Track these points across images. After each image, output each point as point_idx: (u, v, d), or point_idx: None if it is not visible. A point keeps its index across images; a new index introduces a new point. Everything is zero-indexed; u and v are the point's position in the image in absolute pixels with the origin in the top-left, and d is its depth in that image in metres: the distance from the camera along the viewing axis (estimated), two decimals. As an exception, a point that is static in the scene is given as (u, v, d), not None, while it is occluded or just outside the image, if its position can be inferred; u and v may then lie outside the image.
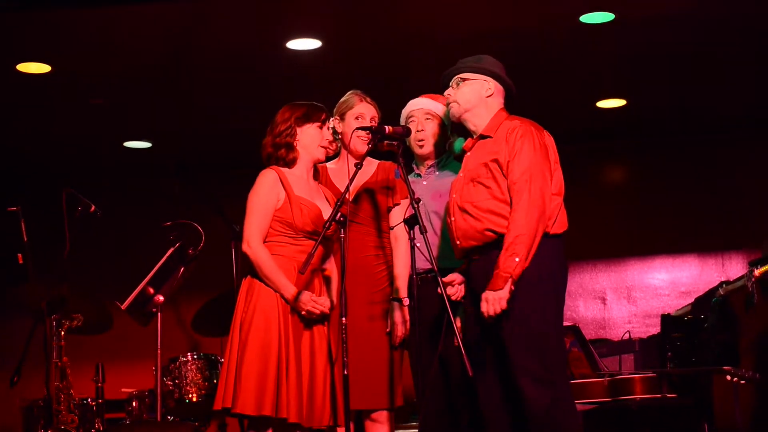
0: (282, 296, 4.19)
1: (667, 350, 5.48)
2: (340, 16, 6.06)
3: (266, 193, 4.26)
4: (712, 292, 5.89)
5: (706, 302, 5.94)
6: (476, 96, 4.32)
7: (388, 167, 4.68)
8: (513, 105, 4.40)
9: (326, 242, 4.31)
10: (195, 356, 6.18)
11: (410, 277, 4.41)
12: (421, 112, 4.77)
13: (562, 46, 6.54)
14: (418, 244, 4.19)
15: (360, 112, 4.65)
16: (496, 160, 4.17)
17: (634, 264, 8.47)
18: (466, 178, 4.28)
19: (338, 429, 4.37)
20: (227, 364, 4.17)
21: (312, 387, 4.21)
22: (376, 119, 4.66)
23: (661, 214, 8.42)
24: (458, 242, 4.29)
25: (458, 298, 4.29)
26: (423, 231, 4.07)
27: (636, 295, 8.40)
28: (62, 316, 5.87)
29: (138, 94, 7.06)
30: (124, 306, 6.10)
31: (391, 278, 4.57)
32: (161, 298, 6.24)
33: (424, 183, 4.76)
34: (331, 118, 4.64)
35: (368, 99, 4.69)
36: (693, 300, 6.56)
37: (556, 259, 4.16)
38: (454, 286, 4.26)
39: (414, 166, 4.87)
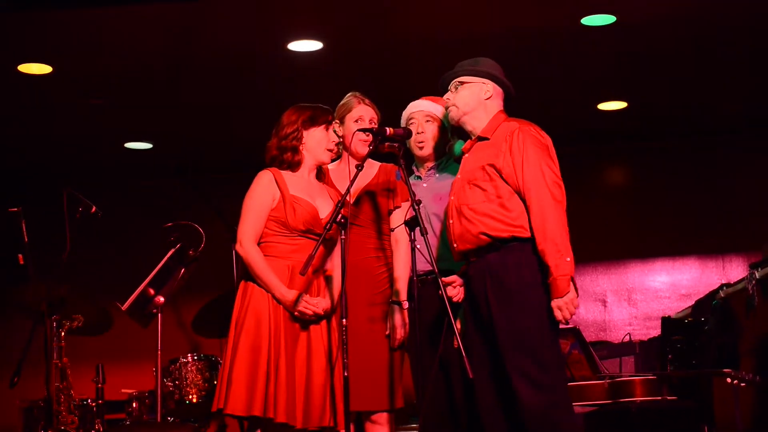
0: (273, 296, 4.20)
1: (667, 352, 5.48)
2: (341, 18, 6.06)
3: (260, 194, 4.28)
4: (713, 294, 5.89)
5: (707, 305, 5.93)
6: (474, 99, 4.31)
7: (389, 169, 4.68)
8: (514, 107, 4.40)
9: (327, 242, 4.31)
10: (195, 357, 6.18)
11: (410, 279, 4.41)
12: (422, 114, 4.76)
13: (564, 48, 6.54)
14: (418, 246, 4.19)
15: (359, 114, 4.64)
16: (493, 164, 4.17)
17: (635, 266, 8.47)
18: (464, 180, 4.27)
19: (338, 430, 4.37)
20: (223, 365, 4.21)
21: (309, 388, 4.21)
22: (375, 121, 4.66)
23: (662, 216, 8.42)
24: (455, 245, 4.28)
25: (459, 300, 4.29)
26: (424, 233, 4.07)
27: (636, 297, 8.40)
28: (62, 316, 5.88)
29: (139, 96, 7.07)
30: (124, 307, 6.09)
31: (392, 280, 4.57)
32: (162, 299, 6.23)
33: (424, 185, 4.76)
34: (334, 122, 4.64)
35: (367, 101, 4.69)
36: (693, 302, 6.56)
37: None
38: (455, 288, 4.26)
39: (414, 168, 4.86)
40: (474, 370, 3.97)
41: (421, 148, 4.76)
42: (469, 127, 4.35)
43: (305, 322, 4.25)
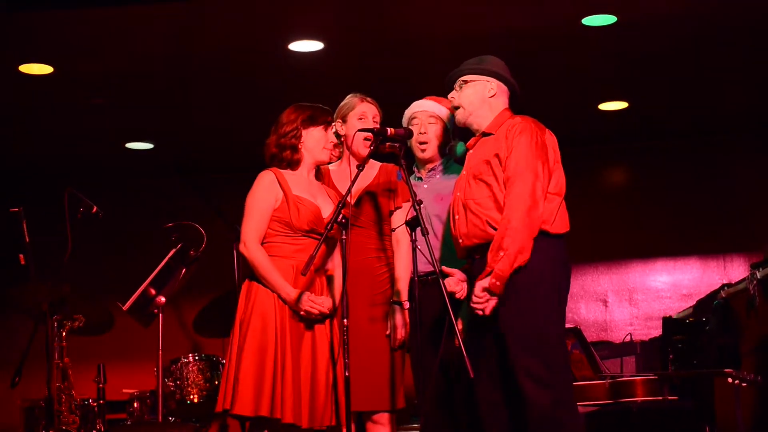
0: (279, 296, 4.20)
1: (668, 352, 5.48)
2: (342, 18, 6.07)
3: (263, 194, 4.28)
4: (714, 294, 5.89)
5: (708, 305, 5.94)
6: (479, 97, 4.32)
7: (390, 170, 4.68)
8: (516, 106, 4.40)
9: (328, 242, 4.31)
10: (196, 357, 6.19)
11: (411, 279, 4.41)
12: (425, 115, 4.76)
13: (564, 49, 6.54)
14: (419, 246, 4.19)
15: (362, 111, 4.65)
16: (497, 155, 4.17)
17: (636, 266, 8.47)
18: (469, 175, 4.27)
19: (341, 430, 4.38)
20: (227, 366, 4.20)
21: (313, 388, 4.21)
22: (378, 118, 4.67)
23: (663, 217, 8.42)
24: (461, 240, 4.27)
25: (462, 296, 4.28)
26: (425, 233, 4.07)
27: (637, 297, 8.40)
28: (64, 316, 5.88)
29: (140, 96, 7.07)
30: (125, 307, 6.10)
31: (393, 280, 4.57)
32: (163, 299, 6.24)
33: (425, 186, 4.75)
34: (333, 123, 4.64)
35: (369, 99, 4.70)
36: (694, 302, 6.57)
37: (557, 260, 4.14)
38: (459, 284, 4.26)
39: (415, 168, 4.86)
40: (476, 370, 3.97)
41: (423, 150, 4.75)
42: (475, 126, 4.35)
43: (309, 321, 4.25)
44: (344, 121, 4.67)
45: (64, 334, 5.89)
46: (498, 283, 3.98)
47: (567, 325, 4.44)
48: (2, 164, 8.40)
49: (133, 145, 8.11)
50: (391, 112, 4.77)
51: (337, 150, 4.61)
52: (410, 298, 4.47)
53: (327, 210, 4.35)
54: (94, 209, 5.73)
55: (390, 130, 4.38)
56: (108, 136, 7.87)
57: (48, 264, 5.73)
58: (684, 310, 6.61)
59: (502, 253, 3.98)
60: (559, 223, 4.18)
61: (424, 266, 4.26)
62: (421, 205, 4.19)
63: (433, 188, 4.73)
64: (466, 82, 4.34)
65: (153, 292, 6.23)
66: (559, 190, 4.20)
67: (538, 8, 5.95)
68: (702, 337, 5.48)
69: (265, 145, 4.42)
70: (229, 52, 6.41)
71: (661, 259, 8.44)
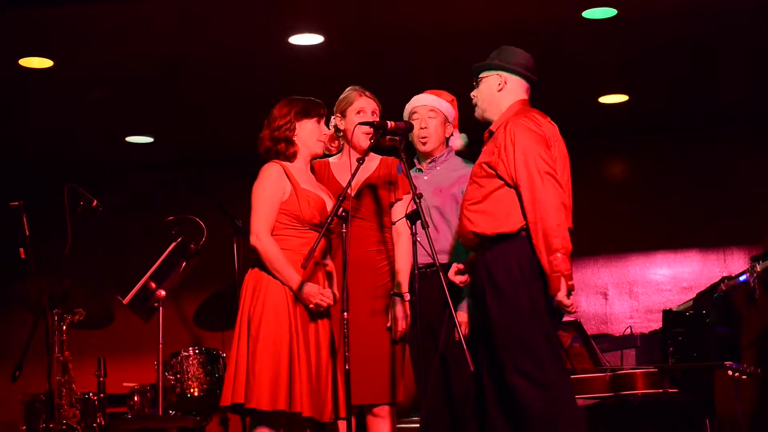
0: (291, 289, 4.18)
1: (668, 345, 5.48)
2: (343, 12, 6.06)
3: (272, 186, 4.26)
4: (714, 287, 5.89)
5: (708, 297, 5.94)
6: (488, 92, 4.30)
7: (390, 162, 4.68)
8: (535, 96, 4.36)
9: (327, 236, 4.31)
10: (197, 351, 6.20)
11: (412, 272, 4.42)
12: (425, 109, 4.77)
13: (565, 42, 6.53)
14: (419, 239, 4.19)
15: (361, 106, 4.64)
16: (488, 162, 4.16)
17: (636, 259, 8.47)
18: (470, 177, 4.29)
19: (339, 423, 4.38)
20: (236, 359, 4.14)
21: (318, 380, 4.21)
22: (377, 112, 4.66)
23: (663, 210, 8.41)
24: (460, 239, 4.30)
25: (465, 283, 4.30)
26: (425, 226, 4.07)
27: (637, 290, 8.41)
28: (64, 310, 5.89)
29: (140, 89, 7.06)
30: (125, 301, 6.10)
31: (393, 273, 4.57)
32: (163, 292, 6.24)
33: (425, 178, 4.76)
34: (333, 117, 4.64)
35: (367, 93, 4.68)
36: (694, 295, 6.56)
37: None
38: (463, 274, 4.28)
39: (415, 161, 4.87)
40: (476, 363, 3.97)
41: (424, 143, 4.76)
42: (491, 121, 4.33)
43: (314, 314, 4.24)
44: (343, 115, 4.66)
45: (64, 327, 5.90)
46: (571, 282, 3.98)
47: (567, 319, 4.43)
48: (2, 158, 8.39)
49: (133, 139, 8.10)
50: (391, 106, 4.76)
51: (335, 143, 4.61)
52: (411, 291, 4.47)
53: (329, 203, 4.35)
54: (94, 203, 5.72)
55: (390, 124, 4.37)
56: (108, 129, 7.87)
57: (48, 258, 5.73)
58: (684, 303, 6.61)
59: (559, 255, 3.96)
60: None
61: (423, 258, 4.27)
62: (421, 198, 4.19)
63: (433, 180, 4.74)
64: (481, 78, 4.32)
65: (153, 285, 6.23)
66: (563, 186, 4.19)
67: (539, 1, 5.94)
68: (702, 330, 5.48)
69: (259, 139, 4.41)
70: (229, 45, 6.40)
71: (661, 252, 8.43)
